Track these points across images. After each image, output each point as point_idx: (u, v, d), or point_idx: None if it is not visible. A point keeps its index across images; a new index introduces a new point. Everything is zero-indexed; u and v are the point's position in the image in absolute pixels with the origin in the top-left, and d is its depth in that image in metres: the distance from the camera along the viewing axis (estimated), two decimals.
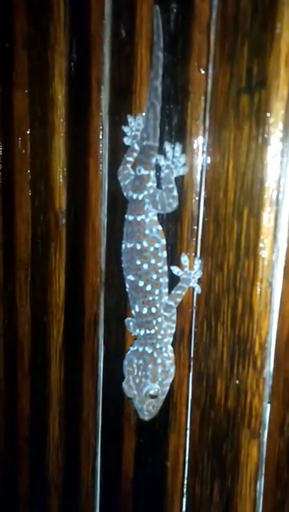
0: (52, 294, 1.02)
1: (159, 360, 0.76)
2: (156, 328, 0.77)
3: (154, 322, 0.77)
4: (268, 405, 0.70)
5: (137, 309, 0.78)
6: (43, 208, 1.02)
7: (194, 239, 0.77)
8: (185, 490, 0.83)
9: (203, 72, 0.73)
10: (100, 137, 0.89)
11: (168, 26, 0.75)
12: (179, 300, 0.77)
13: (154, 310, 0.77)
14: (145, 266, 0.76)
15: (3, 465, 1.21)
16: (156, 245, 0.77)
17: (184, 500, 0.83)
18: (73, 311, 0.99)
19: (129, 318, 0.83)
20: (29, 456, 1.14)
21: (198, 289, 0.77)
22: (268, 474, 0.71)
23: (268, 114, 0.65)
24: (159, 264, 0.77)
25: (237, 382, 0.72)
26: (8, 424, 1.18)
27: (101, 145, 0.89)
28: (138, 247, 0.76)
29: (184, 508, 0.84)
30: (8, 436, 1.19)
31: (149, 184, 0.77)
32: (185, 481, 0.83)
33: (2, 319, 1.16)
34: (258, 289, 0.69)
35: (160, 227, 0.77)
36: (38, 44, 0.97)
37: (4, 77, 1.06)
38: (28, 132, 1.03)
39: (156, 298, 0.77)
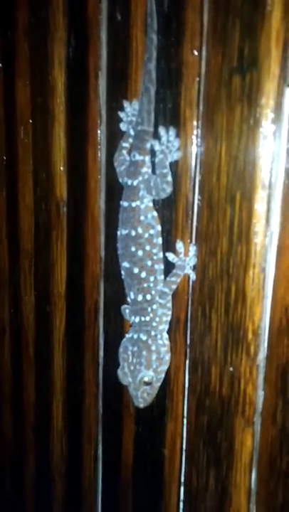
0: (54, 283, 1.03)
1: (153, 347, 0.75)
2: (151, 315, 0.76)
3: (149, 309, 0.76)
4: (262, 393, 0.69)
5: (132, 296, 0.77)
6: (44, 197, 1.02)
7: (189, 225, 0.75)
8: (182, 478, 0.83)
9: (196, 53, 0.71)
10: (98, 124, 0.88)
11: (161, 8, 0.74)
12: (174, 287, 0.76)
13: (149, 297, 0.76)
14: (140, 252, 0.75)
15: (11, 453, 1.23)
16: (151, 231, 0.76)
17: (182, 487, 0.83)
18: (75, 300, 0.99)
19: (125, 306, 0.83)
20: (35, 444, 1.16)
21: (193, 276, 0.75)
22: (262, 463, 0.70)
23: (260, 95, 0.64)
24: (154, 251, 0.76)
25: (231, 369, 0.71)
26: (14, 413, 1.20)
27: (99, 132, 0.88)
28: (133, 233, 0.75)
29: (181, 496, 0.83)
30: (15, 425, 1.20)
31: (144, 170, 0.76)
32: (182, 469, 0.82)
33: (8, 309, 1.17)
34: (251, 275, 0.67)
35: (155, 213, 0.77)
36: (38, 32, 0.97)
37: (7, 66, 1.06)
38: (30, 121, 1.03)
39: (152, 285, 0.76)
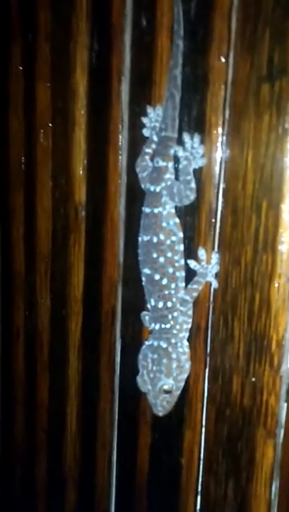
0: (71, 287, 1.02)
1: (174, 355, 0.75)
2: (171, 322, 0.76)
3: (170, 316, 0.76)
4: (285, 404, 0.68)
5: (153, 303, 0.77)
6: (63, 201, 1.02)
7: (212, 232, 0.75)
8: (200, 488, 0.82)
9: (223, 60, 0.71)
10: (120, 129, 0.88)
11: (188, 14, 0.73)
12: (195, 294, 0.76)
13: (169, 304, 0.75)
14: (161, 259, 0.75)
15: (22, 456, 1.23)
16: (173, 238, 0.75)
17: (199, 498, 0.82)
18: (91, 304, 0.99)
19: (145, 312, 0.82)
20: (47, 447, 1.15)
21: (214, 284, 0.75)
22: (284, 475, 0.69)
23: None
24: (176, 258, 0.75)
25: (253, 379, 0.71)
26: (27, 416, 1.20)
27: (120, 137, 0.88)
28: (154, 240, 0.75)
29: (198, 506, 0.82)
30: (28, 427, 1.20)
31: (167, 176, 0.76)
32: (200, 479, 0.82)
33: (23, 311, 1.17)
34: (276, 285, 0.67)
35: (177, 220, 0.76)
36: (60, 35, 0.97)
37: (27, 69, 1.06)
38: (50, 124, 1.03)
39: (172, 292, 0.75)
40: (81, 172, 0.97)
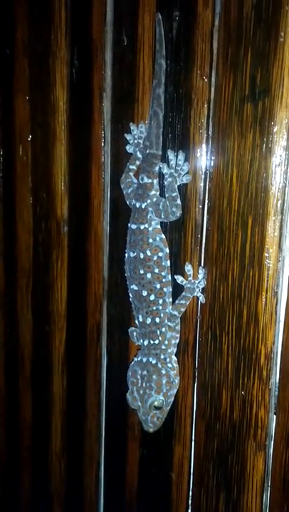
0: (54, 303, 1.02)
1: (163, 371, 0.75)
2: (160, 338, 0.76)
3: (158, 332, 0.76)
4: (274, 416, 0.69)
5: (141, 319, 0.77)
6: (44, 216, 1.01)
7: (198, 248, 0.76)
8: (190, 502, 0.82)
9: (206, 79, 0.72)
10: (102, 145, 0.88)
11: (170, 34, 0.75)
12: (183, 310, 0.76)
13: (157, 320, 0.76)
14: (149, 275, 0.75)
15: (5, 475, 1.20)
16: (160, 254, 0.76)
17: (189, 511, 0.82)
18: (76, 320, 0.98)
19: (133, 328, 0.82)
20: (31, 466, 1.13)
21: (202, 299, 0.76)
22: (274, 486, 0.70)
23: (272, 123, 0.65)
24: (163, 274, 0.76)
25: (242, 393, 0.71)
26: (10, 434, 1.17)
27: (103, 153, 0.88)
28: (141, 256, 0.75)
29: None
30: (10, 446, 1.18)
31: (152, 192, 0.77)
32: (190, 493, 0.82)
33: (3, 328, 1.15)
34: (264, 299, 0.68)
35: (163, 236, 0.77)
36: (39, 51, 0.97)
37: (5, 83, 1.05)
38: (29, 139, 1.02)
39: (160, 308, 0.76)
40: (63, 187, 0.97)
